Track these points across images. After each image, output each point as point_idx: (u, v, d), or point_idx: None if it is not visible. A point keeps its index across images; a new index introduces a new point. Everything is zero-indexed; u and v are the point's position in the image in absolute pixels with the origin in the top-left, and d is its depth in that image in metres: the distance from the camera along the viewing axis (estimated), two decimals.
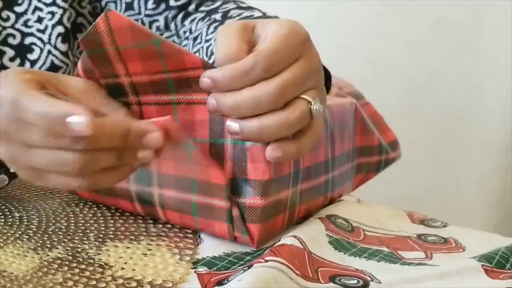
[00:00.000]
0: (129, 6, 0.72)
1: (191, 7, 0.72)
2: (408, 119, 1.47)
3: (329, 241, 0.48)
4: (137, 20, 0.71)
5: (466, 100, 1.56)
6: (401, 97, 1.54)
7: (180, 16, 0.72)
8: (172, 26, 0.72)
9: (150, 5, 0.71)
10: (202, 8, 0.71)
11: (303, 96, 0.43)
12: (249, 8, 0.66)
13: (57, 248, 0.45)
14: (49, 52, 0.69)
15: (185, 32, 0.70)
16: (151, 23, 0.71)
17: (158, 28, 0.72)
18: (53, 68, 0.68)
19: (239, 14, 0.62)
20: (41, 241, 0.46)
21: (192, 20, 0.70)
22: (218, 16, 0.65)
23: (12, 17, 0.68)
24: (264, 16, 0.61)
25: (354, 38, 1.52)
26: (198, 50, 0.62)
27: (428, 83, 1.55)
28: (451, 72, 1.54)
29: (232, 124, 0.42)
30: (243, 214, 0.46)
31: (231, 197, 0.46)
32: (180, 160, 0.47)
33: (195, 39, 0.64)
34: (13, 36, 0.67)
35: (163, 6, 0.72)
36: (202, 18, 0.68)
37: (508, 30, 1.47)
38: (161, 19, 0.72)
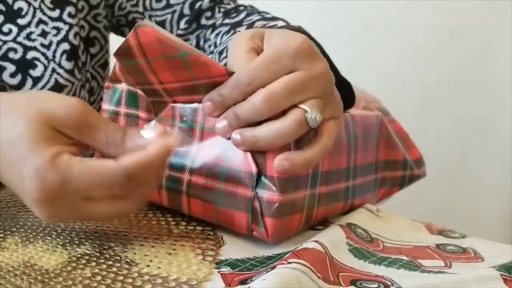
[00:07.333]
0: (161, 25, 0.70)
1: (219, 22, 0.73)
2: (423, 132, 1.48)
3: (349, 249, 0.49)
4: None
5: (482, 113, 1.56)
6: (416, 110, 1.54)
7: (208, 32, 0.72)
8: (202, 43, 0.72)
9: (182, 25, 0.71)
10: (227, 21, 0.71)
11: (300, 105, 0.45)
12: (274, 18, 0.67)
13: (84, 244, 0.46)
14: (54, 70, 0.65)
15: (209, 46, 0.70)
16: None
17: None
18: (58, 87, 0.66)
19: (263, 26, 0.63)
20: (69, 238, 0.48)
21: (217, 34, 0.70)
22: (243, 29, 0.65)
23: (14, 30, 0.64)
24: (287, 25, 0.62)
25: (370, 50, 1.53)
26: (225, 65, 0.64)
27: (444, 95, 1.56)
28: (466, 84, 1.55)
29: (234, 136, 0.46)
30: (261, 207, 0.48)
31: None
32: (219, 149, 0.49)
33: (220, 53, 0.64)
34: (15, 50, 0.64)
35: (194, 25, 0.71)
36: (227, 32, 0.68)
37: None
38: (192, 38, 0.72)
